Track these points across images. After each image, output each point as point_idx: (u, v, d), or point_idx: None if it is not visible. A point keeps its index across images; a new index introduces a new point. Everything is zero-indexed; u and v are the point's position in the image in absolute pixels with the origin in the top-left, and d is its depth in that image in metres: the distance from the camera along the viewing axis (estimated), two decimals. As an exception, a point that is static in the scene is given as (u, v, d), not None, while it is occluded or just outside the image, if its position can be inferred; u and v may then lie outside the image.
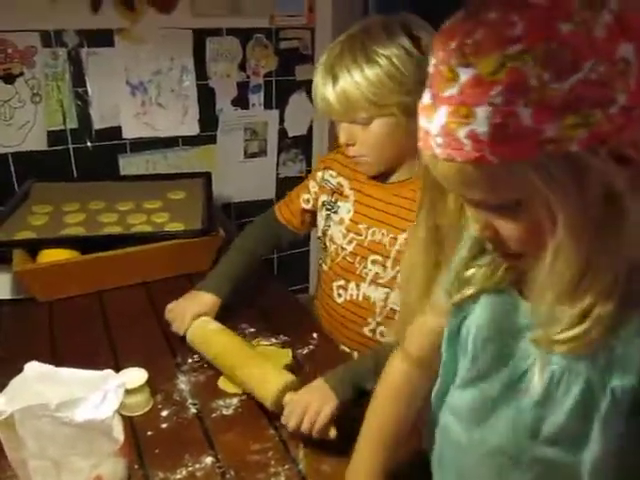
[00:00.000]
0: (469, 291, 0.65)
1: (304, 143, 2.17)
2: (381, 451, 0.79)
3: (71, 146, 1.80)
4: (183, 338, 1.14)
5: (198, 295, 1.15)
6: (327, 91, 1.03)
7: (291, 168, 2.19)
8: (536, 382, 0.59)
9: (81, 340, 1.15)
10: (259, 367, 1.01)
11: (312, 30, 2.02)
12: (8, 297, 1.25)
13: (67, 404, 0.59)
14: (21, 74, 1.68)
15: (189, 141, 1.95)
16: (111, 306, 1.27)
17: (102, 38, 1.73)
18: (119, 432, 0.63)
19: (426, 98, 0.52)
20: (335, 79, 1.02)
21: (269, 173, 2.15)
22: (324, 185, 1.25)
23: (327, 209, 1.24)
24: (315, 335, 1.18)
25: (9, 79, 1.67)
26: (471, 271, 0.65)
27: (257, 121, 2.04)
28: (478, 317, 0.66)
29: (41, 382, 0.64)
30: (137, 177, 1.67)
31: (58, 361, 1.06)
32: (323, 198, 1.25)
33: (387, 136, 1.06)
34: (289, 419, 0.91)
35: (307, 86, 2.07)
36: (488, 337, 0.65)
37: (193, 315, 1.12)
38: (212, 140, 1.99)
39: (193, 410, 0.98)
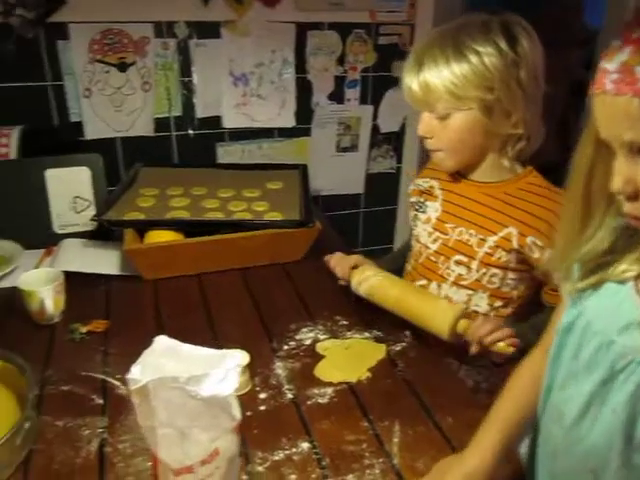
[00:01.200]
0: (593, 279, 0.65)
1: (396, 140, 2.16)
2: (507, 430, 0.80)
3: (174, 133, 1.88)
4: (278, 325, 1.17)
5: (346, 258, 1.25)
6: (411, 78, 1.06)
7: (381, 164, 2.19)
8: (632, 382, 0.58)
9: (184, 318, 1.21)
10: (429, 301, 1.11)
11: (412, 26, 2.01)
12: (117, 273, 1.33)
13: (195, 378, 0.62)
14: (134, 63, 1.77)
15: (284, 133, 1.99)
16: (210, 288, 1.32)
17: (210, 30, 1.80)
18: (237, 410, 0.66)
19: (615, 43, 0.57)
20: (420, 67, 1.04)
21: (359, 168, 2.15)
22: (415, 188, 1.27)
23: (415, 209, 1.26)
24: (407, 333, 1.18)
25: (123, 67, 1.76)
26: (601, 260, 0.64)
27: (351, 116, 2.06)
28: (595, 307, 0.66)
29: (165, 355, 0.67)
30: (235, 165, 1.72)
31: (162, 334, 1.14)
32: (412, 199, 1.27)
33: (464, 132, 1.06)
34: (480, 328, 1.00)
35: (403, 83, 2.06)
36: (596, 329, 0.65)
37: (354, 261, 1.22)
38: (306, 133, 2.02)
39: (289, 395, 1.00)
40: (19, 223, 1.42)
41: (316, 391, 1.02)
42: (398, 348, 1.14)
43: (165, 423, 0.62)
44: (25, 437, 0.85)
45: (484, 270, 1.12)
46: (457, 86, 1.01)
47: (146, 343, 1.10)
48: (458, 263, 1.15)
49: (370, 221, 2.25)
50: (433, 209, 1.20)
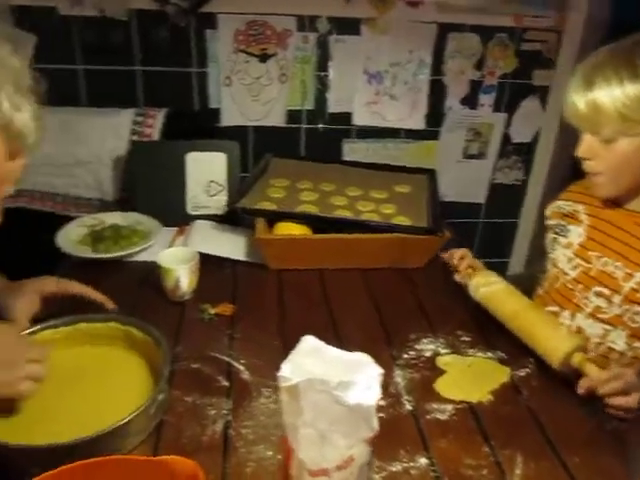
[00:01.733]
0: None
1: (526, 151, 2.07)
2: None
3: (304, 126, 1.91)
4: (398, 332, 1.16)
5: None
6: (578, 97, 0.99)
7: (507, 175, 2.10)
8: None
9: (306, 313, 1.22)
10: (543, 322, 1.08)
11: (559, 33, 1.90)
12: (244, 259, 1.37)
13: (343, 384, 0.62)
14: (274, 55, 1.81)
15: (412, 134, 1.97)
16: (331, 285, 1.33)
17: (350, 26, 1.80)
18: (376, 421, 0.65)
19: None
20: (590, 86, 0.97)
21: (484, 177, 2.08)
22: (556, 210, 1.21)
23: (555, 232, 1.20)
24: (532, 360, 1.12)
25: (264, 58, 1.81)
26: None
27: (483, 122, 1.99)
28: None
29: (310, 355, 0.68)
30: (362, 164, 1.71)
31: (286, 326, 1.17)
32: (552, 222, 1.21)
33: (630, 158, 0.99)
34: (605, 385, 0.93)
35: (542, 92, 1.96)
36: None
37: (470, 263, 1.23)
38: (434, 136, 1.98)
39: (408, 407, 0.99)
40: (158, 201, 1.50)
41: (435, 406, 1.00)
42: (522, 374, 1.09)
43: (308, 423, 0.62)
44: (158, 408, 0.89)
45: (627, 306, 1.05)
46: (629, 108, 0.93)
47: (269, 332, 1.14)
48: (598, 295, 1.08)
49: (488, 232, 2.17)
50: (576, 234, 1.14)
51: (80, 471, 0.65)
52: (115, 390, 0.94)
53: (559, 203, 1.21)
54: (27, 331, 0.97)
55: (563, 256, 1.15)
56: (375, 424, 0.66)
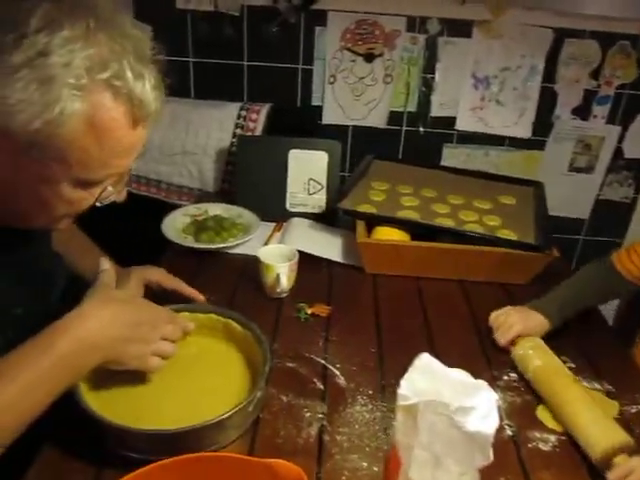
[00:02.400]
0: None
1: (639, 167, 1.93)
2: None
3: (404, 128, 1.88)
4: (501, 350, 1.11)
5: (529, 313, 1.11)
6: None
7: (616, 191, 1.97)
8: None
9: (401, 320, 1.20)
10: (590, 411, 0.93)
11: (692, 43, 1.76)
12: (340, 260, 1.36)
13: (463, 410, 0.59)
14: (380, 55, 1.79)
15: (516, 143, 1.89)
16: (428, 295, 1.29)
17: (462, 28, 1.75)
18: (491, 450, 0.62)
19: None
20: None
21: (590, 192, 1.97)
22: None
23: None
24: (643, 395, 1.05)
25: (369, 58, 1.79)
26: None
27: (594, 135, 1.88)
28: None
29: (425, 373, 0.66)
30: (464, 171, 1.66)
31: (381, 333, 1.15)
32: None
33: None
34: None
35: (663, 106, 1.83)
36: None
37: (520, 330, 1.08)
38: (539, 146, 1.89)
39: (509, 432, 0.95)
40: (258, 195, 1.52)
41: (537, 435, 0.95)
42: (633, 410, 1.02)
43: (424, 445, 0.61)
44: (256, 405, 0.90)
45: None
46: None
47: (364, 338, 1.13)
48: None
49: (589, 250, 2.05)
50: None
51: (191, 464, 0.67)
52: (214, 381, 0.95)
53: None
54: None
55: None
56: (490, 453, 0.63)
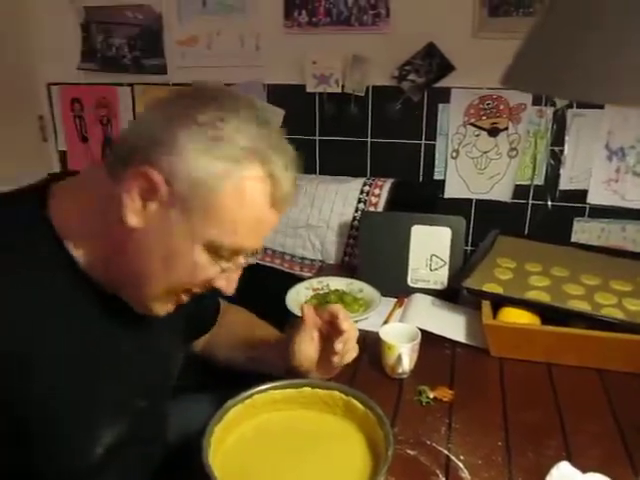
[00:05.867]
0: None
1: None
2: None
3: (531, 202, 1.82)
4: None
5: None
6: None
7: None
8: None
9: (530, 411, 1.12)
10: None
11: None
12: (463, 341, 1.31)
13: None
14: (505, 129, 1.77)
15: (657, 217, 1.76)
16: (561, 384, 1.20)
17: (593, 100, 1.69)
18: None
19: None
20: None
21: None
22: None
23: None
24: None
25: (494, 132, 1.78)
26: None
27: None
28: None
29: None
30: (598, 248, 1.56)
31: (508, 424, 1.07)
32: None
33: None
34: None
35: None
36: None
37: None
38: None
39: None
40: (380, 270, 1.53)
41: None
42: None
43: None
44: (377, 493, 0.87)
45: None
46: None
47: (490, 428, 1.06)
48: None
49: None
50: None
51: None
52: (334, 461, 0.94)
53: None
54: (246, 393, 0.96)
55: None
56: None
